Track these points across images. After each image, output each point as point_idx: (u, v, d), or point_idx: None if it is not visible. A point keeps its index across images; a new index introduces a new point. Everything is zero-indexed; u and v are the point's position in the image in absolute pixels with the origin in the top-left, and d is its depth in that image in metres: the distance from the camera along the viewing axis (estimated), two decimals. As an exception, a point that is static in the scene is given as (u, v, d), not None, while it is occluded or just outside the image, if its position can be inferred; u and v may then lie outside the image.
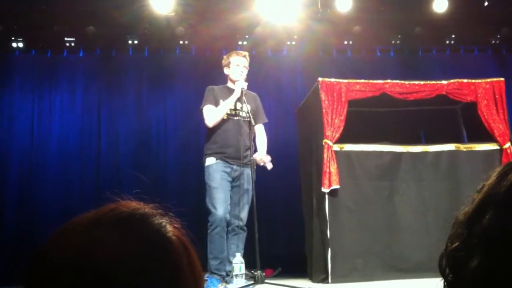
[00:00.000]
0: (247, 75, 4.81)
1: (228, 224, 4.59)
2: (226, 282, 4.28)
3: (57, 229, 0.67)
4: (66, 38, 6.74)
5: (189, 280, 0.67)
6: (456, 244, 0.71)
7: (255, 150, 4.62)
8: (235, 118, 4.66)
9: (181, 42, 6.95)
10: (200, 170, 4.82)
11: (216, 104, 4.67)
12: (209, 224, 4.44)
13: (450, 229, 0.74)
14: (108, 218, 0.67)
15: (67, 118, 6.82)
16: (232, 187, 4.62)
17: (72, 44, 6.80)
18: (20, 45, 6.73)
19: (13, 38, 6.67)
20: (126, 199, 0.71)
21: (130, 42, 6.87)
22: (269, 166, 4.53)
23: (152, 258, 0.64)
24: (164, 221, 0.69)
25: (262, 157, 4.52)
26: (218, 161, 4.58)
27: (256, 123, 4.72)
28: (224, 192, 4.53)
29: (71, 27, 6.66)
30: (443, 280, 0.73)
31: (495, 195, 0.69)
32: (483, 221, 0.68)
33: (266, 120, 4.90)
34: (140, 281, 0.62)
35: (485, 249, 0.66)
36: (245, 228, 4.60)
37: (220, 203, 4.47)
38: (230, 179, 4.59)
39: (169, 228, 0.69)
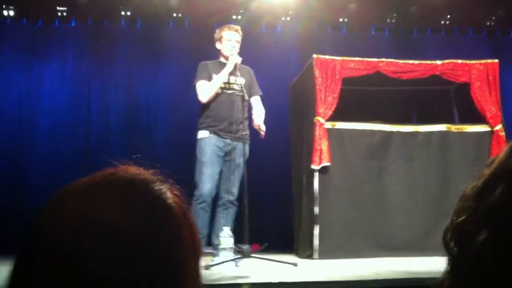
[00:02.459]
0: (240, 49, 4.77)
1: (219, 198, 4.60)
2: (213, 256, 4.31)
3: (55, 194, 0.66)
4: (58, 8, 6.63)
5: (189, 248, 0.67)
6: (463, 217, 0.71)
7: (250, 123, 4.60)
8: (228, 91, 4.64)
9: (174, 15, 6.87)
10: (192, 146, 4.81)
11: (210, 79, 4.65)
12: (194, 198, 4.45)
13: (457, 202, 0.74)
14: (107, 183, 0.65)
15: (57, 88, 6.73)
16: (224, 162, 4.62)
17: (64, 14, 6.68)
18: (11, 13, 6.60)
19: (4, 5, 6.55)
20: (124, 164, 0.70)
21: (122, 13, 6.77)
22: (262, 133, 4.52)
23: (153, 225, 0.64)
24: (164, 187, 0.68)
25: (260, 124, 4.50)
26: (211, 135, 4.58)
27: (251, 96, 4.72)
28: (213, 167, 4.53)
29: (63, -4, 6.56)
30: (448, 254, 0.73)
31: (506, 169, 0.68)
32: (493, 194, 0.67)
33: (261, 93, 4.87)
34: (142, 246, 0.62)
35: (494, 222, 0.66)
36: (235, 203, 4.61)
37: (207, 178, 4.48)
38: (222, 153, 4.59)
39: (169, 195, 0.68)
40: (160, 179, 0.69)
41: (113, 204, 0.63)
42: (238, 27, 4.84)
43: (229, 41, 4.70)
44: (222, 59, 4.78)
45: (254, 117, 4.62)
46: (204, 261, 4.00)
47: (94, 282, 0.60)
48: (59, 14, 6.67)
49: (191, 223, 0.69)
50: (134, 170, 0.69)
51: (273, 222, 6.41)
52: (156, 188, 0.67)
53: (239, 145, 4.51)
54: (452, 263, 0.72)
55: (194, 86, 4.68)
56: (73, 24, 6.87)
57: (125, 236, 0.61)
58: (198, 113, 4.76)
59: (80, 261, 0.60)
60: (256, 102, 4.80)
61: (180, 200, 0.69)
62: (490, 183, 0.69)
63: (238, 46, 4.70)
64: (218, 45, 4.80)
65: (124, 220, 0.62)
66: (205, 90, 4.61)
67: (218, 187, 4.61)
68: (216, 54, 4.88)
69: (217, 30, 4.85)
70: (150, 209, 0.65)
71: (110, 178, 0.66)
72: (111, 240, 0.61)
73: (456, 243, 0.71)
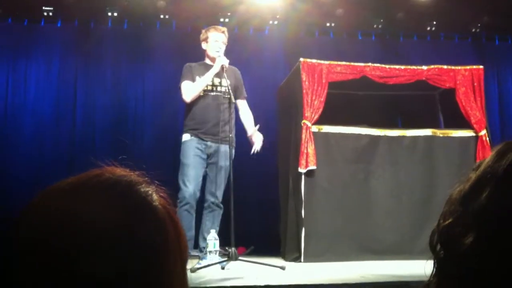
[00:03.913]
0: (228, 52, 4.76)
1: (204, 201, 4.59)
2: (199, 258, 4.28)
3: (40, 192, 0.65)
4: (44, 7, 6.57)
5: (176, 250, 0.66)
6: (450, 220, 0.71)
7: (236, 126, 4.59)
8: (213, 93, 4.64)
9: (161, 16, 6.84)
10: (177, 148, 4.81)
11: (194, 81, 4.65)
12: (178, 200, 4.44)
13: (444, 206, 0.74)
14: (93, 184, 0.65)
15: (43, 89, 6.69)
16: (208, 164, 4.62)
17: (50, 14, 6.63)
18: (-3, 11, 6.54)
19: (-12, 4, 6.49)
20: (110, 165, 0.69)
21: (109, 14, 6.73)
22: (257, 146, 4.52)
23: (140, 226, 0.63)
24: (150, 189, 0.68)
25: (253, 134, 4.52)
26: (193, 137, 4.60)
27: (236, 99, 4.68)
28: (196, 169, 4.53)
29: (49, -4, 6.50)
30: (434, 257, 0.73)
31: (493, 173, 0.69)
32: (480, 198, 0.68)
33: (246, 95, 4.86)
34: (127, 247, 0.61)
35: (481, 226, 0.67)
36: (221, 205, 4.60)
37: (190, 180, 4.48)
38: (204, 156, 4.59)
39: (155, 197, 0.67)
40: (146, 181, 0.68)
41: (98, 205, 0.62)
42: (225, 29, 4.83)
43: (216, 42, 4.69)
44: (207, 61, 4.77)
45: (245, 126, 4.68)
46: (190, 264, 3.98)
47: (76, 279, 0.59)
48: (45, 14, 6.61)
49: (177, 225, 0.69)
50: (120, 171, 0.68)
51: (259, 225, 6.40)
52: (142, 190, 0.67)
53: (224, 147, 4.50)
54: (438, 266, 0.72)
55: (180, 88, 4.69)
56: (59, 25, 6.82)
57: (110, 236, 0.61)
58: (182, 114, 4.77)
59: (66, 259, 0.59)
60: (242, 105, 4.81)
61: (166, 202, 0.69)
62: (476, 187, 0.69)
63: (224, 47, 4.70)
64: (204, 45, 4.80)
65: (109, 221, 0.61)
66: (188, 90, 4.61)
67: (202, 190, 4.61)
68: (202, 56, 4.87)
69: (203, 31, 4.85)
70: (136, 211, 0.64)
71: (96, 179, 0.65)
72: (96, 239, 0.60)
73: (443, 246, 0.71)
